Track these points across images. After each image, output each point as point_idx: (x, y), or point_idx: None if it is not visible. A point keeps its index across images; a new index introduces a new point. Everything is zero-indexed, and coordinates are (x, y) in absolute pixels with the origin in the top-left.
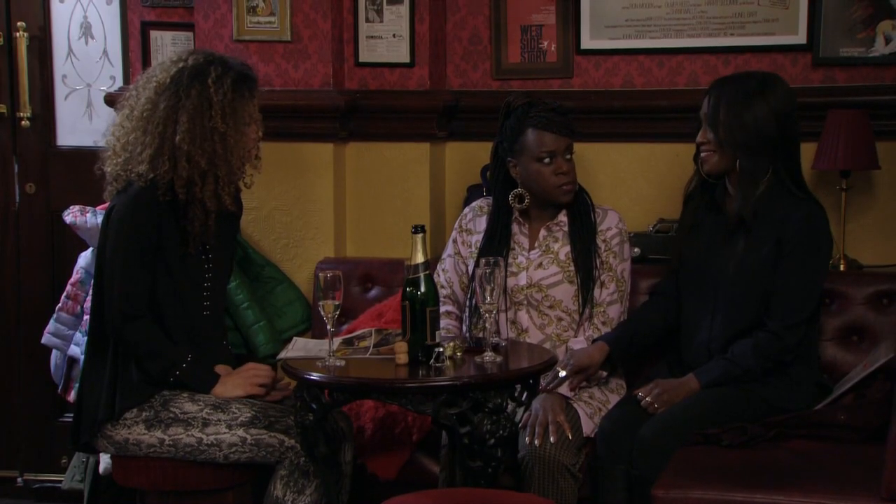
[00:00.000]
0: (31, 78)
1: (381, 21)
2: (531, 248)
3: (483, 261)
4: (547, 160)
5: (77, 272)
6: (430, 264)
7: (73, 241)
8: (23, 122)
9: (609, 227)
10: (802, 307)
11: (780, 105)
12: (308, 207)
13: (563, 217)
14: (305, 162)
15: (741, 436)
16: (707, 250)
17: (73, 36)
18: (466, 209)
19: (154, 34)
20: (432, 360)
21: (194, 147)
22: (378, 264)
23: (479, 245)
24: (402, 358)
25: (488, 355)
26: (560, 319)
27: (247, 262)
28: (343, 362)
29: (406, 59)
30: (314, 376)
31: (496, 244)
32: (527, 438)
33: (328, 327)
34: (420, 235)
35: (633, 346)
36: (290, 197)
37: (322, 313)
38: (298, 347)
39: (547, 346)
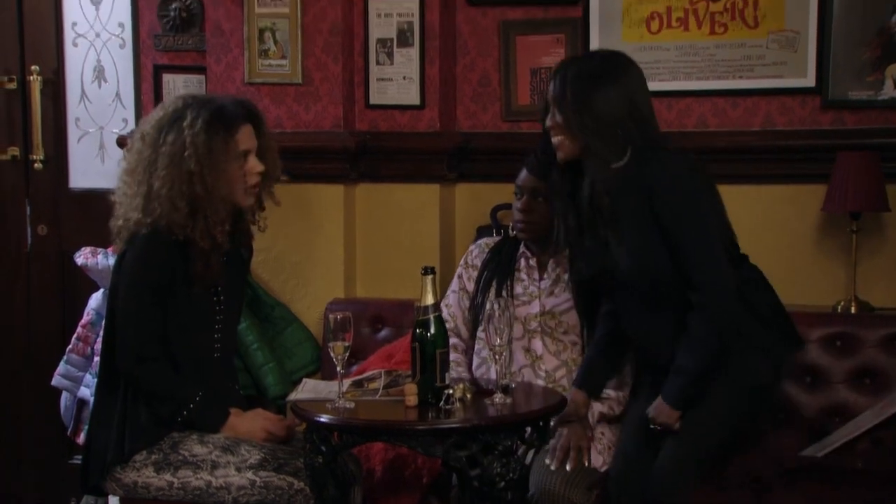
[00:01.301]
0: (45, 121)
1: (392, 64)
2: (541, 277)
3: (493, 301)
4: (517, 194)
5: (88, 314)
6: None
7: (84, 283)
8: (35, 165)
9: None
10: (712, 263)
11: (631, 85)
12: (318, 248)
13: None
14: (316, 203)
15: (754, 481)
16: (592, 254)
17: (86, 79)
18: (472, 246)
19: (166, 77)
20: (442, 402)
21: (173, 192)
22: (388, 305)
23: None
24: (412, 400)
25: (498, 397)
26: (575, 344)
27: (257, 302)
28: (353, 404)
29: (416, 101)
30: (324, 418)
31: (493, 269)
32: (546, 460)
33: (338, 369)
34: (430, 277)
35: (601, 373)
36: (300, 238)
37: (332, 355)
38: (308, 389)
39: (562, 371)
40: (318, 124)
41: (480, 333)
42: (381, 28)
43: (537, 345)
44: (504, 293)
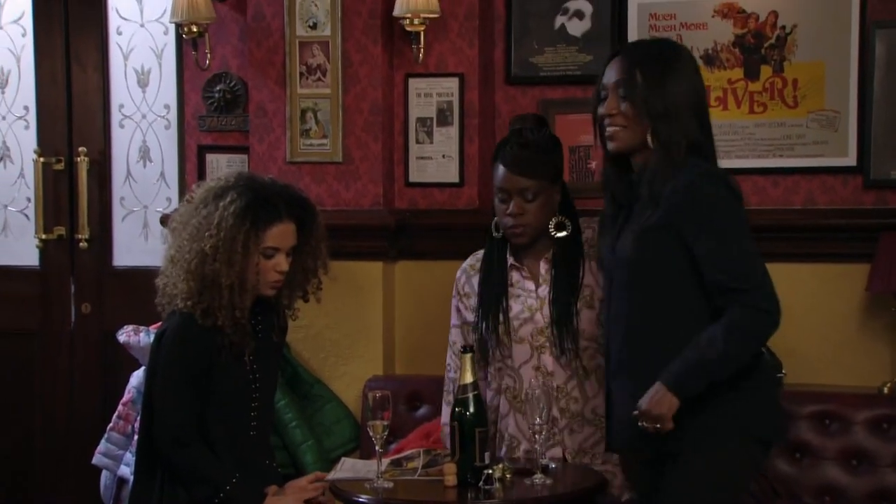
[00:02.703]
0: (91, 201)
1: (431, 142)
2: (538, 285)
3: (532, 381)
4: (500, 198)
5: (129, 391)
6: (480, 384)
7: (125, 361)
8: (80, 244)
9: (588, 236)
10: (754, 267)
11: (695, 74)
12: (357, 325)
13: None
14: (355, 280)
15: None
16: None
17: (131, 159)
18: (458, 272)
19: (210, 157)
20: (481, 482)
21: (185, 263)
22: (426, 382)
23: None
24: (451, 480)
25: (538, 477)
26: (585, 349)
27: (296, 380)
28: (391, 484)
29: (455, 178)
30: (363, 498)
31: (487, 295)
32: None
33: (377, 448)
34: (469, 355)
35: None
36: (339, 315)
37: (371, 434)
38: (346, 468)
39: (573, 382)
40: (358, 202)
41: (490, 370)
42: (420, 107)
43: (547, 360)
44: (502, 319)
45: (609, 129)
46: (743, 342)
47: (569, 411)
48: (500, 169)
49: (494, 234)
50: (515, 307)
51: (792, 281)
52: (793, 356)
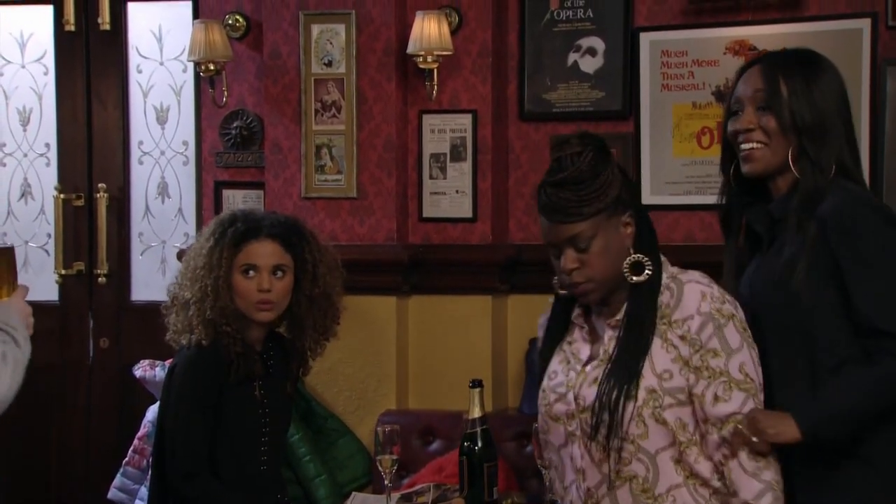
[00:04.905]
0: (109, 236)
1: (445, 178)
2: (592, 356)
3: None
4: (553, 252)
5: (145, 426)
6: (489, 419)
7: (142, 395)
8: (99, 279)
9: (689, 314)
10: None
11: (842, 85)
12: (371, 360)
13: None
14: (369, 315)
15: None
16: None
17: (150, 195)
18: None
19: (226, 192)
20: None
21: (184, 286)
22: (439, 417)
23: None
24: None
25: None
26: (619, 450)
27: (310, 414)
28: None
29: (469, 214)
30: None
31: (544, 352)
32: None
33: (386, 482)
34: (478, 390)
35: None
36: (353, 349)
37: (380, 468)
38: (357, 503)
39: (603, 488)
40: (372, 237)
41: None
42: (434, 143)
43: (576, 453)
44: (542, 387)
45: (745, 148)
46: (893, 397)
47: None
48: (541, 219)
49: (559, 291)
50: (559, 376)
51: None
52: None
